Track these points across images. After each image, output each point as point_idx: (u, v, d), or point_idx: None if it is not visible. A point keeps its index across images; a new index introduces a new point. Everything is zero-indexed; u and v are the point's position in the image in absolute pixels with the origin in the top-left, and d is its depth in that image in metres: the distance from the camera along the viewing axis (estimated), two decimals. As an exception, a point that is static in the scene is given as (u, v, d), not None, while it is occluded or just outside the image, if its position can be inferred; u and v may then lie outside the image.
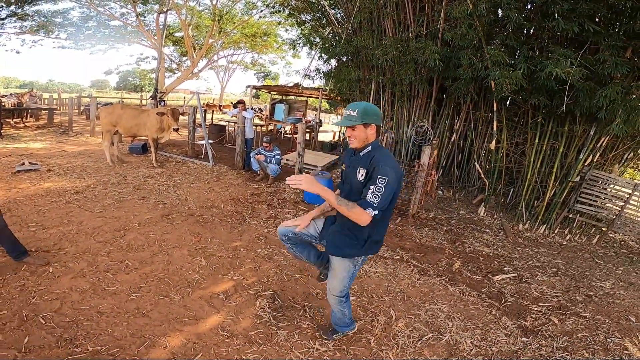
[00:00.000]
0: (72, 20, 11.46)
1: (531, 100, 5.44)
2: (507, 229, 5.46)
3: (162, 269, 3.17)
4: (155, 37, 11.18)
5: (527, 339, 2.66)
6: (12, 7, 9.55)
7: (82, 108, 13.91)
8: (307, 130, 11.77)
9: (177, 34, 12.95)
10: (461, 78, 5.82)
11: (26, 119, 10.23)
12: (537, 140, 5.88)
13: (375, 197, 1.69)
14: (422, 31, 6.53)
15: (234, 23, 12.94)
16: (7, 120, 9.39)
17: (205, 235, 3.92)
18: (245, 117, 6.66)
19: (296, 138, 7.24)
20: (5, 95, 9.93)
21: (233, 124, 10.06)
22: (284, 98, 14.77)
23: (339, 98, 10.60)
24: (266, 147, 6.18)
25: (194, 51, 13.30)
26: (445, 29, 5.98)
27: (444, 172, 7.91)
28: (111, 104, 9.78)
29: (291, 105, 13.73)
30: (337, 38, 7.84)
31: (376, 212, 1.70)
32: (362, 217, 1.72)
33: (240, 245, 3.80)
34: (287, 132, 13.81)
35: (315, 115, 12.17)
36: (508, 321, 2.86)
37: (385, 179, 1.70)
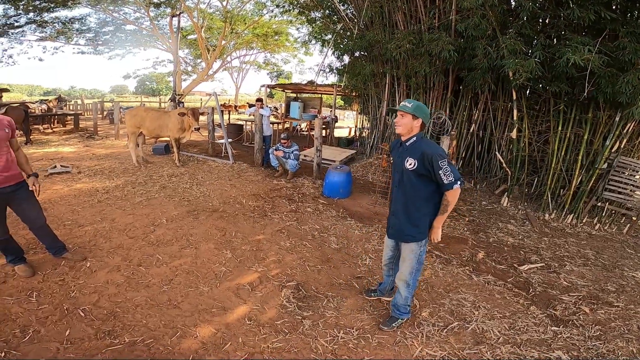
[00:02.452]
0: (90, 26, 11.92)
1: (552, 88, 5.31)
2: (533, 219, 5.31)
3: (190, 262, 3.27)
4: (170, 41, 11.46)
5: (557, 328, 2.60)
6: (31, 15, 9.98)
7: (105, 113, 14.48)
8: (323, 126, 11.78)
9: (190, 37, 13.20)
10: (477, 68, 5.71)
11: (54, 124, 10.73)
12: (560, 128, 5.68)
13: (449, 175, 1.99)
14: (434, 23, 6.41)
15: (245, 24, 13.07)
16: (36, 126, 9.89)
17: (230, 230, 4.01)
18: (262, 115, 6.74)
19: (312, 135, 7.28)
20: (35, 102, 10.44)
21: (250, 122, 10.21)
22: (298, 96, 14.82)
23: (354, 94, 10.53)
24: (284, 143, 6.23)
25: (208, 53, 13.52)
26: (457, 20, 5.88)
27: (463, 163, 7.75)
28: (132, 107, 10.14)
29: (306, 103, 13.76)
30: (348, 34, 7.79)
31: (459, 182, 2.01)
32: (454, 194, 2.06)
33: (264, 239, 3.87)
34: (303, 129, 13.85)
35: (330, 111, 12.15)
36: (537, 310, 2.80)
37: (444, 160, 2.01)
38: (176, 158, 6.81)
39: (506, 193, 6.24)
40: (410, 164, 2.10)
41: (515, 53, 4.94)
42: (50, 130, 10.32)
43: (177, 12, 9.46)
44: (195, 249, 3.54)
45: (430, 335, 2.37)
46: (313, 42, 9.48)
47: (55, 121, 10.83)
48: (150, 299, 2.67)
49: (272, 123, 11.77)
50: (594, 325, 2.68)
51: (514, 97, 6.07)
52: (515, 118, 6.16)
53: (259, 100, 7.15)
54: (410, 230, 2.22)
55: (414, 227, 2.21)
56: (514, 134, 6.21)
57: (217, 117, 7.83)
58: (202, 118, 8.81)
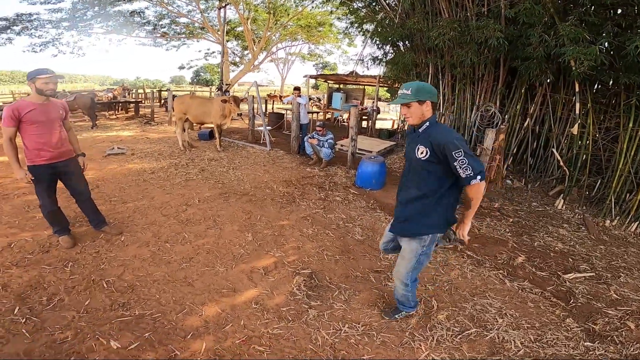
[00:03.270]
0: (149, 19, 12.77)
1: (622, 79, 4.55)
2: (590, 225, 4.64)
3: (213, 242, 3.33)
4: (219, 32, 11.83)
5: (591, 344, 2.21)
6: (96, 9, 10.90)
7: (162, 101, 15.54)
8: (364, 117, 11.43)
9: (238, 29, 13.51)
10: (532, 57, 5.07)
11: (118, 111, 11.74)
12: (631, 125, 4.85)
13: (467, 168, 1.71)
14: (482, 10, 5.78)
15: (288, 15, 13.01)
16: (103, 112, 10.89)
17: (255, 213, 4.03)
18: (299, 103, 6.68)
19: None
20: (103, 91, 11.51)
21: (291, 112, 10.27)
22: (340, 87, 14.57)
23: (396, 85, 10.05)
24: (319, 131, 6.12)
25: (254, 44, 13.75)
26: (507, 6, 5.26)
27: (514, 160, 7.03)
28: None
29: (348, 94, 13.48)
30: (387, 21, 7.34)
31: (479, 176, 1.72)
32: (475, 189, 1.77)
33: (287, 224, 3.82)
34: (344, 120, 13.62)
35: (373, 103, 11.77)
36: (573, 323, 2.40)
37: (459, 150, 1.72)
38: (217, 143, 7.05)
39: (562, 195, 5.53)
40: (422, 153, 1.84)
41: (577, 41, 4.32)
42: (114, 116, 11.33)
43: (224, 4, 9.69)
44: (220, 229, 3.60)
45: (441, 339, 2.14)
46: (354, 32, 9.12)
47: (119, 108, 11.84)
48: (168, 275, 2.75)
49: (312, 112, 11.70)
50: (635, 343, 2.24)
51: (577, 90, 5.31)
52: (577, 112, 5.41)
53: (297, 89, 7.11)
54: (413, 224, 1.97)
55: (419, 221, 1.95)
56: (575, 130, 5.45)
57: (256, 106, 7.95)
58: (244, 107, 9.02)
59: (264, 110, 13.36)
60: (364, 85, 13.77)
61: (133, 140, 7.96)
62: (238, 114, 6.37)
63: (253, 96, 7.90)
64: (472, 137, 6.95)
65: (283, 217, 4.01)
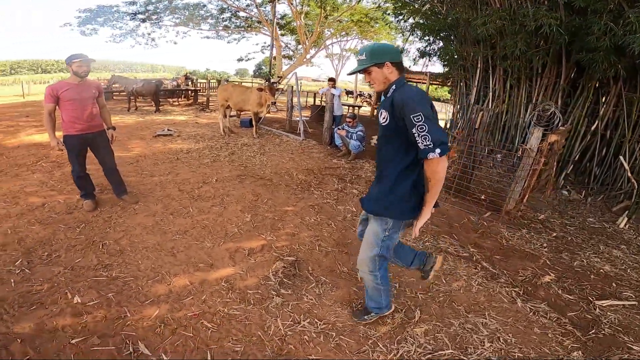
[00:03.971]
0: (212, 13, 13.48)
1: None
2: (658, 250, 3.72)
3: (212, 219, 3.32)
4: (272, 26, 12.08)
5: None
6: (165, 2, 11.81)
7: (220, 91, 16.34)
8: None
9: (294, 23, 13.57)
10: (598, 49, 4.19)
11: (180, 98, 12.66)
12: None
13: (425, 137, 1.39)
14: None
15: (338, 9, 12.66)
16: (167, 99, 11.83)
17: (264, 196, 3.95)
18: (333, 95, 6.46)
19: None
20: (169, 79, 12.50)
21: (325, 102, 10.09)
22: (391, 83, 13.96)
23: (449, 83, 9.22)
24: (349, 122, 5.85)
25: (306, 39, 13.70)
26: None
27: (576, 168, 5.99)
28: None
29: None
30: (433, 13, 6.68)
31: (439, 149, 1.39)
32: (432, 166, 1.44)
33: (291, 211, 3.67)
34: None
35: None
36: (580, 357, 1.87)
37: (419, 115, 1.39)
38: (254, 130, 7.15)
39: (627, 212, 4.55)
40: (383, 118, 1.57)
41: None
42: (176, 103, 12.23)
43: (275, -1, 9.87)
44: (224, 208, 3.58)
45: (406, 356, 1.79)
46: (406, 26, 8.50)
47: (183, 95, 12.76)
48: (158, 244, 2.78)
49: (352, 106, 11.34)
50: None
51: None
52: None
53: (331, 80, 6.90)
54: (374, 202, 1.68)
55: (378, 200, 1.66)
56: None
57: (295, 99, 7.90)
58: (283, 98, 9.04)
59: (312, 103, 13.35)
60: (416, 82, 12.97)
61: (184, 124, 8.46)
62: (272, 102, 6.37)
63: (292, 87, 7.86)
64: (525, 139, 6.08)
65: (290, 203, 3.86)
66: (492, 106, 6.47)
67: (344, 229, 3.38)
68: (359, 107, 11.32)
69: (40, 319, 1.82)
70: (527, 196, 4.57)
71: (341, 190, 4.47)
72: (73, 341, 1.69)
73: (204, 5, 13.00)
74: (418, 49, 7.60)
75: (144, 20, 12.22)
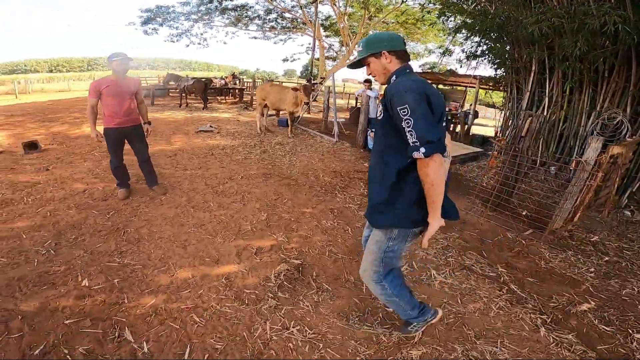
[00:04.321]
0: (259, 14, 13.87)
1: None
2: None
3: (229, 214, 3.35)
4: (316, 27, 12.07)
5: None
6: (215, 3, 12.39)
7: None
8: (453, 120, 10.04)
9: (339, 25, 13.41)
10: None
11: (228, 97, 13.24)
12: None
13: (412, 133, 1.23)
14: None
15: (381, 11, 12.22)
16: (216, 97, 12.45)
17: (285, 196, 3.90)
18: (369, 96, 6.25)
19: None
20: (217, 78, 13.15)
21: (360, 104, 9.83)
22: (437, 88, 13.24)
23: (501, 87, 8.47)
24: (383, 126, 5.61)
25: (350, 40, 13.48)
26: None
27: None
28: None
29: (446, 95, 12.09)
30: (480, 12, 6.12)
31: (423, 148, 1.22)
32: (421, 167, 1.28)
33: (309, 213, 3.58)
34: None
35: (470, 105, 10.28)
36: None
37: (405, 108, 1.23)
38: (289, 130, 7.20)
39: None
40: (379, 113, 1.44)
41: None
42: (224, 101, 12.83)
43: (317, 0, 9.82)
44: (243, 205, 3.60)
45: (396, 382, 1.60)
46: (445, 23, 7.91)
47: (230, 94, 13.35)
48: (173, 235, 2.85)
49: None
50: None
51: None
52: None
53: (367, 81, 6.68)
54: (374, 211, 1.50)
55: (378, 208, 1.48)
56: None
57: (331, 100, 7.79)
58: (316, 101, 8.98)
59: (353, 105, 13.13)
60: (466, 86, 12.16)
61: (226, 121, 8.81)
62: (306, 102, 6.35)
63: (329, 88, 7.78)
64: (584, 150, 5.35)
65: (310, 205, 3.77)
66: (547, 113, 5.80)
67: (360, 236, 3.20)
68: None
69: (47, 299, 1.94)
70: (579, 215, 4.00)
71: (366, 195, 4.28)
72: (67, 322, 1.76)
73: (251, 7, 13.52)
74: (464, 51, 7.06)
75: (196, 21, 13.02)
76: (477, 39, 6.54)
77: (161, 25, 13.00)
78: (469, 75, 9.37)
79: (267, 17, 14.84)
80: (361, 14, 12.10)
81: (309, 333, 1.86)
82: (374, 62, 1.45)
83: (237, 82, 13.35)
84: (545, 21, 4.30)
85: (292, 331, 1.86)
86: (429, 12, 6.29)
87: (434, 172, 1.24)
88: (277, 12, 13.26)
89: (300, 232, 3.13)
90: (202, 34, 13.57)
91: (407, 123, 1.23)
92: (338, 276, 2.51)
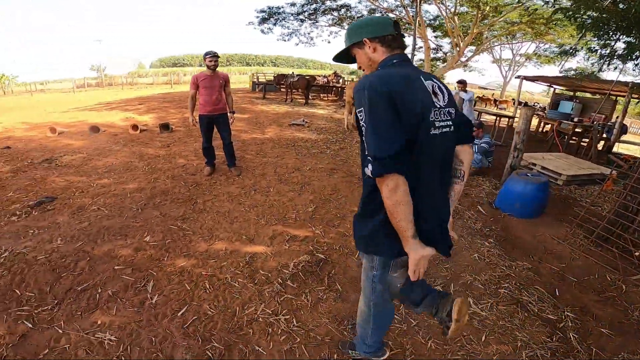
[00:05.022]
0: (362, 14, 13.55)
1: None
2: None
3: (283, 201, 3.54)
4: (420, 27, 11.09)
5: None
6: (319, 3, 12.70)
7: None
8: (586, 133, 7.96)
9: (448, 25, 11.98)
10: None
11: (330, 94, 13.71)
12: None
13: (368, 145, 1.02)
14: None
15: (498, 11, 10.20)
16: (319, 94, 13.05)
17: (341, 192, 3.88)
18: (463, 99, 5.55)
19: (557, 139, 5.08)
20: (320, 76, 13.74)
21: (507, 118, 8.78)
22: (575, 95, 10.68)
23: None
24: (474, 132, 4.93)
25: (460, 40, 11.90)
26: None
27: None
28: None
29: (586, 105, 9.71)
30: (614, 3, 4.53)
31: (371, 165, 1.00)
32: (382, 188, 1.02)
33: (359, 213, 3.47)
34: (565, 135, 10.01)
35: (617, 118, 8.00)
36: None
37: (361, 111, 1.02)
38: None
39: None
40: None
41: None
42: (325, 98, 13.38)
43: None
44: (298, 195, 3.75)
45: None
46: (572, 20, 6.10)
47: (332, 92, 13.83)
48: (228, 212, 3.21)
49: (505, 116, 9.41)
50: None
51: None
52: None
53: (461, 82, 5.91)
54: (355, 230, 1.29)
55: (356, 229, 1.27)
56: None
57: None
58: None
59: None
60: (616, 94, 9.48)
61: (320, 117, 9.21)
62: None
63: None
64: None
65: (363, 204, 3.65)
66: None
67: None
68: (505, 116, 9.31)
69: (114, 247, 2.47)
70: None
71: (431, 204, 3.88)
72: (116, 267, 2.21)
73: (354, 7, 13.49)
74: (595, 50, 5.49)
75: (302, 21, 13.81)
76: (617, 36, 5.01)
77: (274, 24, 14.30)
78: (620, 82, 7.28)
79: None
80: (475, 14, 10.65)
81: (293, 325, 1.85)
82: (358, 54, 1.23)
83: (339, 80, 13.73)
84: None
85: (280, 318, 1.88)
86: (559, 10, 5.08)
87: (386, 197, 1.01)
88: (380, 12, 12.91)
89: (340, 229, 3.08)
90: (309, 33, 14.39)
91: (363, 130, 1.03)
92: (356, 280, 2.38)
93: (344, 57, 1.32)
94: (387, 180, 0.98)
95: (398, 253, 1.15)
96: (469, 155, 1.30)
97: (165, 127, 6.74)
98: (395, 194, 0.99)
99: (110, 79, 27.06)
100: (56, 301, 1.91)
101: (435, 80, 1.17)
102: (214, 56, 3.78)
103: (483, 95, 19.42)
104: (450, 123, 1.15)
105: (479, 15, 10.61)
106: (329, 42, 15.57)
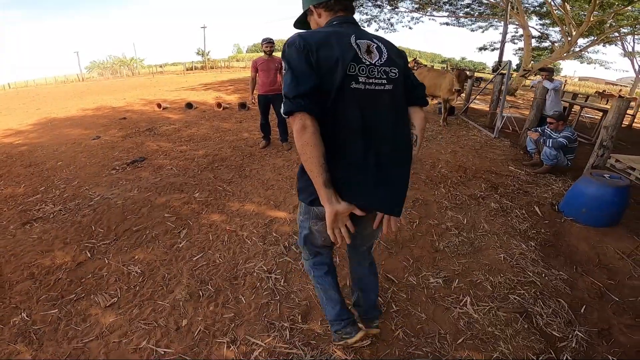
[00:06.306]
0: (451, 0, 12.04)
1: None
2: None
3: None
4: (518, 14, 9.32)
5: None
6: None
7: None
8: None
9: (558, 12, 9.69)
10: None
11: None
12: None
13: (282, 87, 1.05)
14: None
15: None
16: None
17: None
18: (546, 88, 4.71)
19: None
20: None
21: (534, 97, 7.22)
22: None
23: None
24: (551, 124, 4.23)
25: (572, 29, 9.56)
26: None
27: None
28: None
29: None
30: None
31: (284, 105, 1.02)
32: (295, 133, 1.02)
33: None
34: None
35: None
36: None
37: (285, 63, 1.05)
38: (442, 118, 6.55)
39: None
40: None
41: None
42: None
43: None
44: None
45: None
46: None
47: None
48: (267, 180, 3.55)
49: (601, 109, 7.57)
50: None
51: None
52: None
53: (546, 70, 4.97)
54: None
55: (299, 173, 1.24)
56: None
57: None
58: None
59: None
60: None
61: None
62: (456, 89, 5.56)
63: (503, 75, 6.35)
64: None
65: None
66: None
67: (429, 235, 2.80)
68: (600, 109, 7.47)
69: (169, 199, 3.00)
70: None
71: (477, 198, 3.54)
72: (165, 215, 2.70)
73: None
74: None
75: (380, 7, 13.13)
76: None
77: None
78: None
79: (460, 3, 12.93)
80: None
81: (280, 284, 2.01)
82: (310, 21, 1.24)
83: (416, 67, 12.85)
84: None
85: (271, 276, 2.06)
86: None
87: (296, 138, 1.00)
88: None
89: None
90: (389, 19, 13.64)
91: (284, 75, 1.04)
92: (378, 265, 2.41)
93: (303, 24, 1.32)
94: (296, 119, 0.99)
95: (312, 202, 1.16)
96: (421, 120, 1.29)
97: (242, 105, 7.48)
98: (304, 133, 0.99)
99: (213, 63, 30.62)
100: (115, 238, 2.46)
101: (376, 41, 1.15)
102: (269, 42, 4.08)
103: (604, 91, 15.73)
104: (386, 82, 1.11)
105: (597, 2, 8.60)
106: (410, 27, 14.65)
